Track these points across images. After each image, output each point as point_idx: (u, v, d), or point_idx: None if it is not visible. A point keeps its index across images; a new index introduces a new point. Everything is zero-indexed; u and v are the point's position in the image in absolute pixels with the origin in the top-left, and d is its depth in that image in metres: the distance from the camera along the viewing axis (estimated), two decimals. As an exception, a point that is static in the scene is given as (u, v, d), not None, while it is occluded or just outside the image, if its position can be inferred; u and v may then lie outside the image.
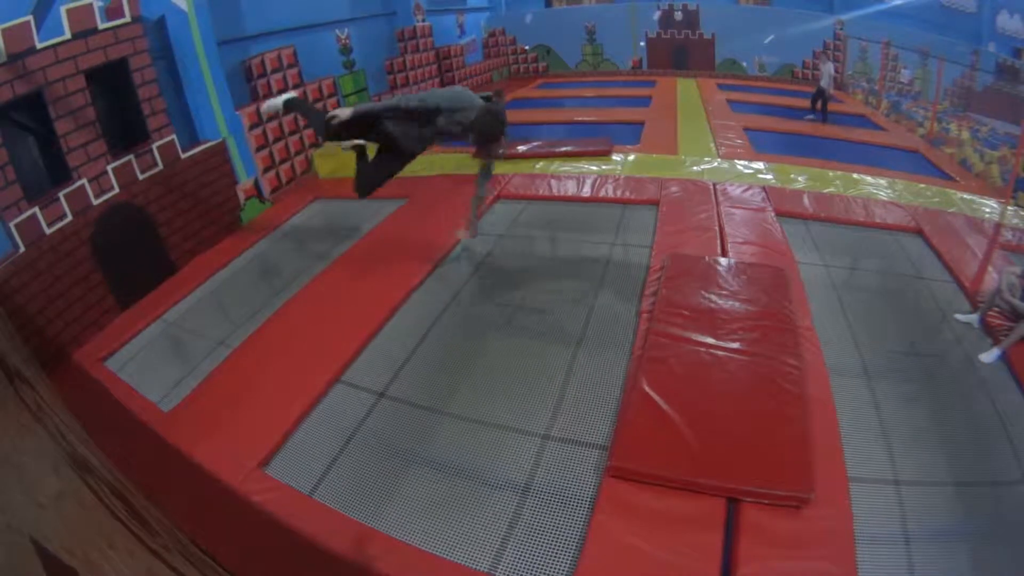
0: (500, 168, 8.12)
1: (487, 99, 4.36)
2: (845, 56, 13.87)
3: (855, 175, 7.54)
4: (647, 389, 3.57)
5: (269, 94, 8.03)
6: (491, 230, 6.33)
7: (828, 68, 10.51)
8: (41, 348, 4.64)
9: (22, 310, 4.58)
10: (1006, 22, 9.95)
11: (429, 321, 4.83)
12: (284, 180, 8.29)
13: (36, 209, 4.82)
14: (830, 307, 4.77)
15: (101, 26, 5.33)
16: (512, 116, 11.40)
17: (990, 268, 5.16)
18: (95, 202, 5.33)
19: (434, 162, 8.74)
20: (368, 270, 5.59)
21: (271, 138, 8.02)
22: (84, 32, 5.18)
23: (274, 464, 3.56)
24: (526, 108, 12.21)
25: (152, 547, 2.37)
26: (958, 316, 4.61)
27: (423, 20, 12.26)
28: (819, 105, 10.66)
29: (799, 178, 7.35)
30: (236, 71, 7.74)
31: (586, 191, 7.13)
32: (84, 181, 5.24)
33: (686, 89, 13.43)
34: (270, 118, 7.72)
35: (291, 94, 5.02)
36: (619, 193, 7.01)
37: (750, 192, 6.77)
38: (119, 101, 5.78)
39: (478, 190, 5.29)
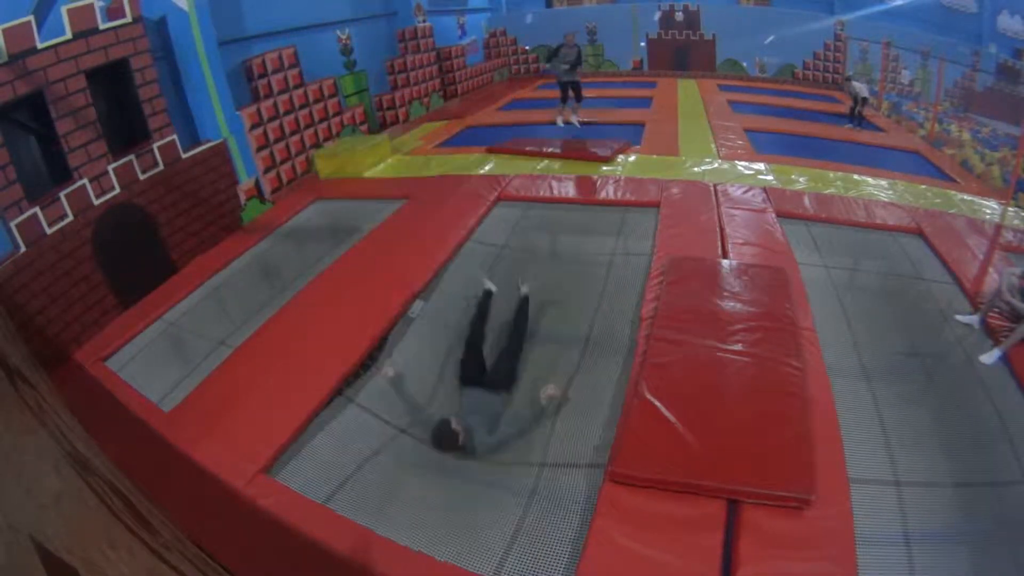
0: (501, 168, 8.14)
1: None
2: (846, 57, 13.87)
3: (856, 176, 7.53)
4: (648, 392, 3.57)
5: (270, 94, 8.05)
6: (492, 234, 6.33)
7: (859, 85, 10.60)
8: (42, 348, 4.64)
9: (23, 310, 4.58)
10: (1007, 23, 9.95)
11: (431, 324, 4.83)
12: (285, 180, 8.29)
13: (37, 209, 4.82)
14: (831, 308, 4.76)
15: (102, 26, 5.34)
16: (513, 116, 11.48)
17: (990, 269, 5.16)
18: (96, 202, 5.34)
19: (433, 162, 8.76)
20: (369, 271, 5.59)
21: (272, 138, 8.02)
22: (85, 32, 5.19)
23: (276, 466, 3.55)
24: (527, 109, 12.21)
25: (153, 547, 2.37)
26: (959, 317, 4.61)
27: (424, 21, 12.26)
28: (857, 111, 10.65)
29: (800, 179, 7.34)
30: (237, 71, 7.74)
31: (587, 193, 7.12)
32: (85, 181, 5.24)
33: (687, 90, 13.42)
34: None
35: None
36: (620, 195, 7.01)
37: (751, 193, 6.77)
38: (120, 101, 5.79)
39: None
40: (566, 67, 9.61)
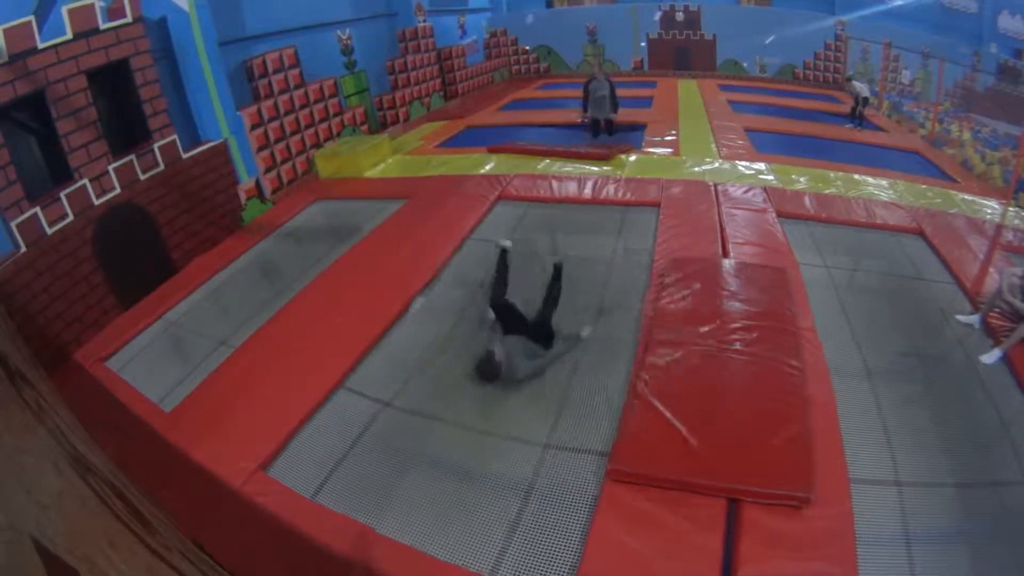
0: (501, 168, 8.15)
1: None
2: (846, 57, 13.87)
3: (856, 176, 7.53)
4: (648, 391, 3.57)
5: (271, 94, 8.05)
6: (494, 233, 6.33)
7: (860, 85, 10.58)
8: (42, 348, 4.64)
9: (23, 310, 4.59)
10: (1007, 23, 9.95)
11: (431, 323, 4.83)
12: (285, 180, 8.29)
13: (37, 209, 4.82)
14: (831, 308, 4.76)
15: (103, 26, 5.34)
16: (513, 117, 11.48)
17: (991, 269, 5.16)
18: (96, 202, 5.34)
19: (433, 162, 8.76)
20: (370, 271, 5.59)
21: (272, 138, 8.02)
22: (86, 32, 5.19)
23: (275, 465, 3.56)
24: (527, 109, 12.22)
25: (153, 546, 2.37)
26: (959, 317, 4.60)
27: (424, 21, 12.26)
28: (858, 111, 10.65)
29: (800, 179, 7.34)
30: (238, 71, 7.74)
31: (588, 193, 7.13)
32: (85, 181, 5.24)
33: (687, 90, 13.42)
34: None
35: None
36: (621, 194, 7.01)
37: (751, 193, 6.76)
38: (120, 101, 5.79)
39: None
40: (598, 102, 9.23)
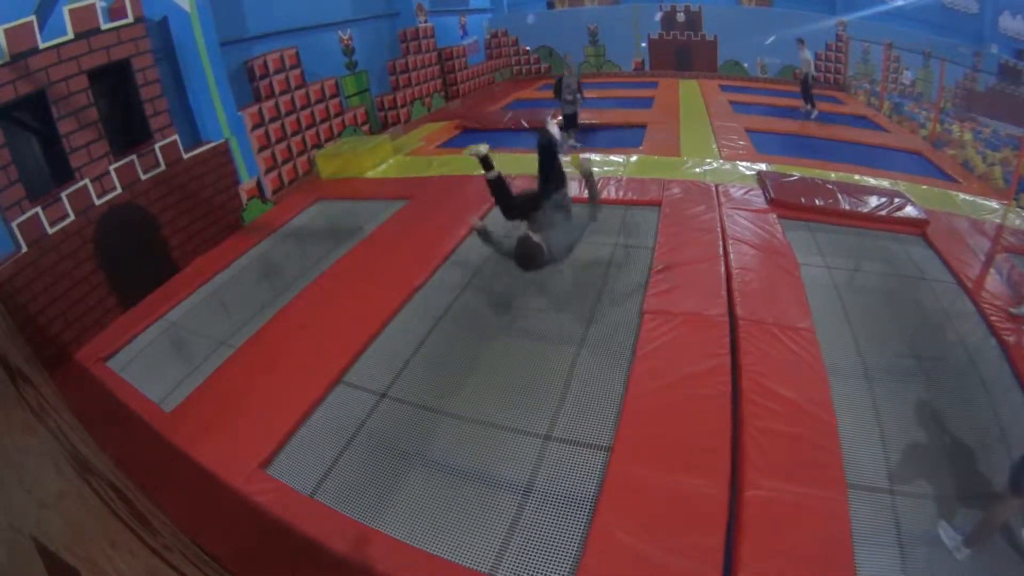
0: (503, 169, 8.12)
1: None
2: (847, 57, 13.87)
3: (857, 176, 7.52)
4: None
5: (272, 95, 8.06)
6: (493, 231, 6.32)
7: (805, 55, 10.66)
8: (43, 348, 4.65)
9: (24, 309, 4.59)
10: (1008, 23, 9.94)
11: (431, 322, 4.84)
12: (286, 180, 8.31)
13: (38, 209, 4.83)
14: (832, 308, 4.75)
15: (104, 26, 5.35)
16: (514, 117, 11.42)
17: (992, 269, 5.16)
18: (97, 202, 5.35)
19: (435, 162, 8.76)
20: (370, 271, 5.60)
21: (273, 139, 8.03)
22: (87, 32, 5.20)
23: (275, 464, 3.57)
24: (528, 109, 12.20)
25: (153, 547, 2.37)
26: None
27: (425, 21, 12.27)
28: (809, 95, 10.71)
29: (801, 179, 7.32)
30: (239, 71, 7.75)
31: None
32: (86, 181, 5.25)
33: (688, 90, 13.42)
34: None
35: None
36: (621, 194, 7.00)
37: (752, 193, 6.76)
38: (122, 101, 5.80)
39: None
40: (569, 98, 8.94)
